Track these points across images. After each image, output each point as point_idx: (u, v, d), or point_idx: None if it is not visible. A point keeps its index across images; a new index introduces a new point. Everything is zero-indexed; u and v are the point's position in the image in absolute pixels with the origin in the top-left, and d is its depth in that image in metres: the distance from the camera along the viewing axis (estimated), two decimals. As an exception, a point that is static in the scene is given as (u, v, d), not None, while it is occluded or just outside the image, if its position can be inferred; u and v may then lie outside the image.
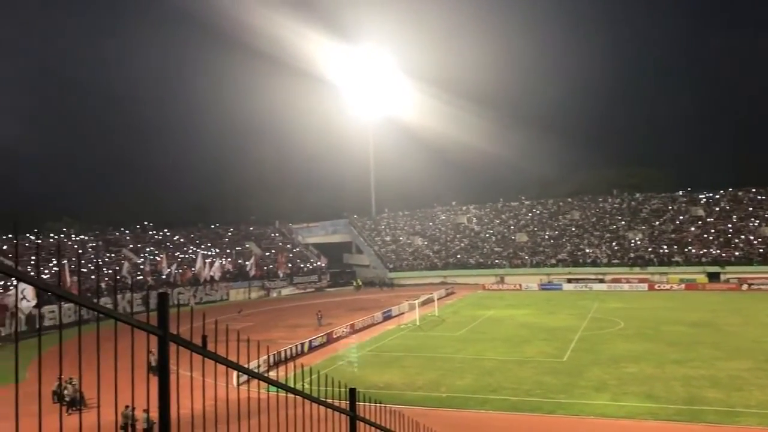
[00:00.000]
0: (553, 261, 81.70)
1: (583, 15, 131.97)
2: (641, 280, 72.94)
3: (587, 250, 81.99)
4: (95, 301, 2.85)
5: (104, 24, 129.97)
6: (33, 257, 60.15)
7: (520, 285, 75.85)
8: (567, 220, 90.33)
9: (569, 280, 75.89)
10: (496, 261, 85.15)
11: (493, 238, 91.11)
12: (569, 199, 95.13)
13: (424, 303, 55.83)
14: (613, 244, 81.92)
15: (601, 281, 74.57)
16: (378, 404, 6.43)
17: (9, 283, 43.51)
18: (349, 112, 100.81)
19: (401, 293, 70.56)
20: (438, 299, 59.20)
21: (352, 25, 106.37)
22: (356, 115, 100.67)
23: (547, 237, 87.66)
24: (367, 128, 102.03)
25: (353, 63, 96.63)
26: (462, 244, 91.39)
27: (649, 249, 78.97)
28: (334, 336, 44.76)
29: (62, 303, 2.90)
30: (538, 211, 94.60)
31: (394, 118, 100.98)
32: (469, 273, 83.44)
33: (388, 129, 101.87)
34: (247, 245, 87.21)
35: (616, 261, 78.41)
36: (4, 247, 59.43)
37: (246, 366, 3.97)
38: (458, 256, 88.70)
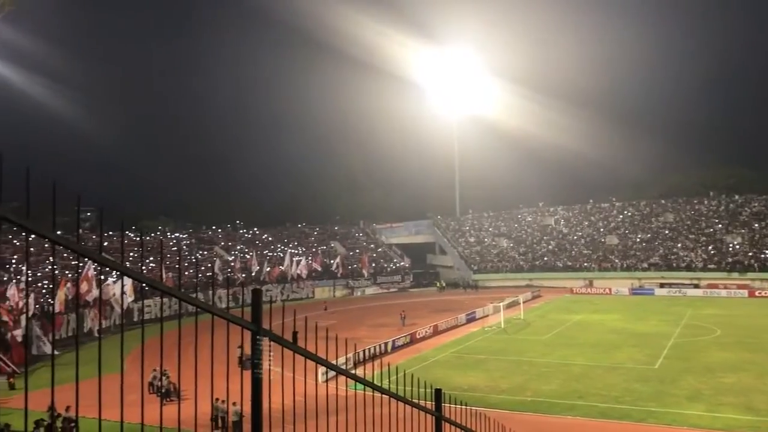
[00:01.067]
0: (645, 265, 78.82)
1: (681, 10, 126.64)
2: (740, 286, 69.22)
3: (681, 254, 78.65)
4: (194, 296, 2.97)
5: (196, 31, 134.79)
6: (131, 254, 63.33)
7: (610, 289, 73.70)
8: (660, 223, 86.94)
9: (662, 285, 73.06)
10: (585, 264, 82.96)
11: (582, 241, 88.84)
12: (663, 201, 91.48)
13: (509, 306, 55.10)
14: (710, 248, 78.23)
15: (696, 287, 71.42)
16: (464, 406, 6.41)
17: (108, 277, 45.87)
18: (434, 112, 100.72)
19: (485, 295, 69.84)
20: (523, 302, 58.32)
21: (439, 26, 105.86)
22: (441, 115, 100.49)
23: (638, 240, 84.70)
24: (452, 128, 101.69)
25: (439, 63, 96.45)
26: (549, 247, 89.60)
27: (749, 254, 74.92)
28: (418, 336, 44.86)
29: (162, 298, 3.04)
30: (629, 213, 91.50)
31: (479, 117, 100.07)
32: (556, 276, 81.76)
33: (473, 129, 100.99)
34: (332, 245, 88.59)
35: (712, 266, 74.79)
36: (105, 244, 62.68)
37: (334, 363, 4.04)
38: (545, 258, 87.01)
